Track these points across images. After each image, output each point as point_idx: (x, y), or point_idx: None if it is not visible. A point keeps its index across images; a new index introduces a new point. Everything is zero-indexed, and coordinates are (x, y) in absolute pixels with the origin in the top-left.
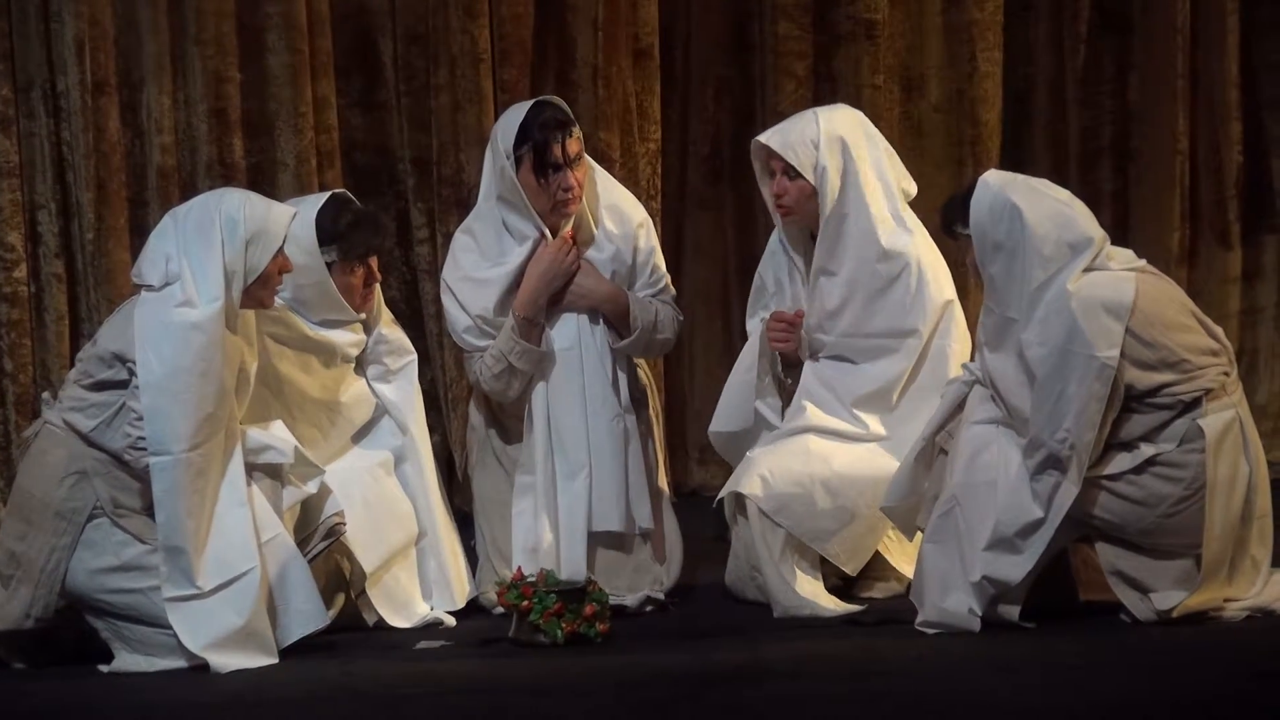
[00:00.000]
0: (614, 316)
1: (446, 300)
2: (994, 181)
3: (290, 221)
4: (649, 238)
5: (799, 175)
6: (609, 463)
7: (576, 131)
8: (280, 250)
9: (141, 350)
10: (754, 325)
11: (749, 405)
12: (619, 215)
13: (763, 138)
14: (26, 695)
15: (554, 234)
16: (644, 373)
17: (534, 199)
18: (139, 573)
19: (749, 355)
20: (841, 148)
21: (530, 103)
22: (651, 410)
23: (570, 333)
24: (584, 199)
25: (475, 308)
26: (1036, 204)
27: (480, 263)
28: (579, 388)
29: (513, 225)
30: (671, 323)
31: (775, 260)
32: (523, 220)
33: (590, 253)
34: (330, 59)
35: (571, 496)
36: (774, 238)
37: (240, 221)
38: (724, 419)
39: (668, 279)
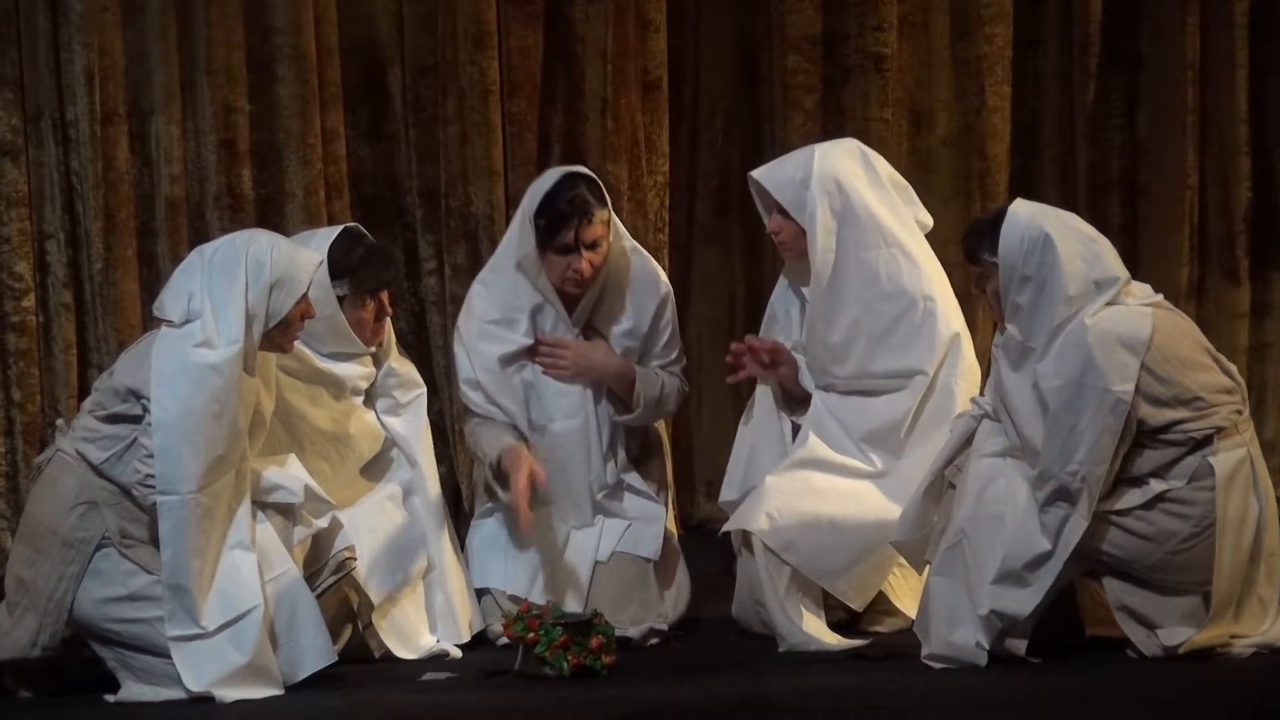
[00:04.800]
0: (619, 391)
1: (457, 348)
2: (1024, 212)
3: (316, 269)
4: (669, 310)
5: (788, 214)
6: (613, 516)
7: (600, 214)
8: (304, 297)
9: (157, 388)
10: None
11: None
12: (643, 288)
13: (756, 173)
14: None
15: (568, 308)
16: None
17: (548, 269)
18: (146, 603)
19: (757, 416)
20: (835, 186)
21: (563, 173)
22: (663, 453)
23: (574, 404)
24: (609, 274)
25: (480, 363)
26: (1068, 238)
27: (493, 313)
28: (584, 458)
29: (524, 292)
30: (675, 394)
31: (784, 292)
32: (534, 291)
33: (608, 329)
34: (339, 90)
35: (581, 537)
36: (785, 268)
37: (266, 265)
38: (734, 488)
39: (680, 349)
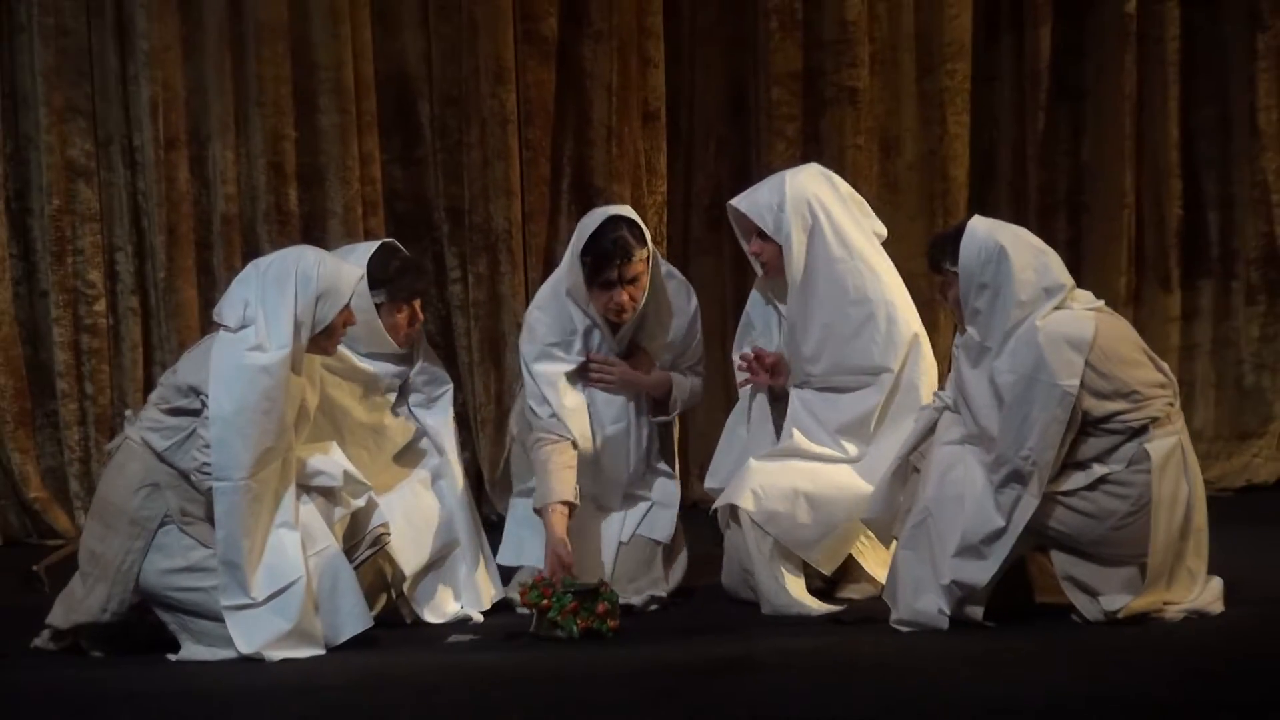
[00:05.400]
0: (658, 397)
1: (524, 371)
2: (981, 226)
3: (357, 282)
4: (698, 323)
5: (767, 237)
6: (637, 498)
7: (640, 254)
8: (346, 306)
9: (214, 386)
10: (738, 359)
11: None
12: (678, 309)
13: (735, 202)
14: (103, 680)
15: (613, 330)
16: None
17: (594, 300)
18: (203, 573)
19: (741, 414)
20: (807, 207)
21: (609, 214)
22: (674, 442)
23: (619, 411)
24: (650, 299)
25: (545, 381)
26: (1020, 250)
27: (552, 336)
28: (625, 457)
29: (576, 317)
30: (700, 390)
31: (760, 304)
32: (584, 316)
33: (647, 343)
34: (375, 119)
35: (605, 523)
36: (758, 283)
37: (314, 279)
38: (718, 477)
39: (703, 353)
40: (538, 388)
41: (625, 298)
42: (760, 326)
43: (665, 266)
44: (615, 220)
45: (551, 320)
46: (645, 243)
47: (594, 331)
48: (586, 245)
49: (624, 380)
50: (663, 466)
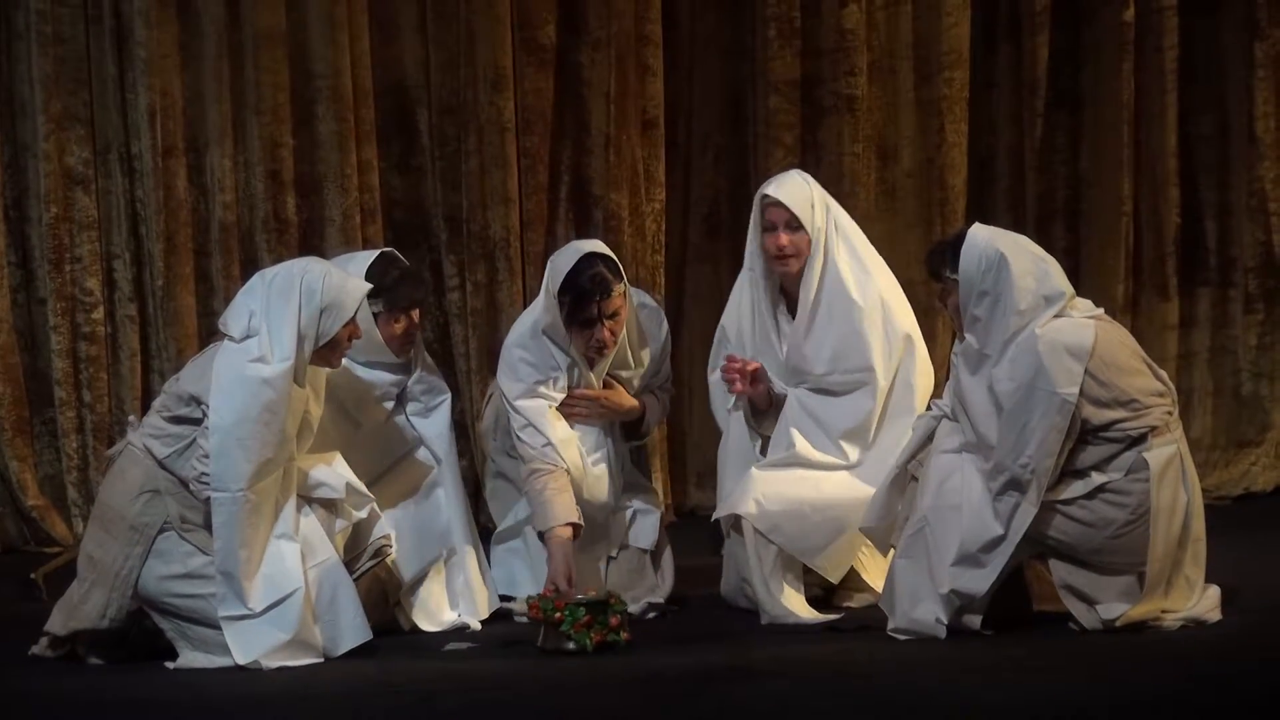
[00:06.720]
0: (631, 420)
1: (509, 407)
2: (981, 234)
3: (363, 296)
4: (669, 346)
5: (800, 228)
6: (622, 514)
7: (618, 288)
8: (351, 320)
9: (216, 396)
10: (715, 379)
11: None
12: (650, 336)
13: (774, 194)
14: (101, 688)
15: (591, 364)
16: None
17: (574, 339)
18: (202, 580)
19: (737, 439)
20: (825, 207)
21: (583, 252)
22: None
23: (597, 439)
24: (625, 333)
25: (533, 417)
26: (1020, 258)
27: (536, 375)
28: (606, 482)
29: (557, 355)
30: (668, 406)
31: (738, 311)
32: (563, 356)
33: (623, 374)
34: (373, 127)
35: (596, 536)
36: (735, 289)
37: (318, 292)
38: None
39: (671, 371)
40: (526, 420)
41: (606, 334)
42: (734, 339)
43: (638, 296)
44: (590, 257)
45: (533, 358)
46: (621, 276)
47: (574, 368)
48: (564, 284)
49: (603, 412)
50: (637, 478)
